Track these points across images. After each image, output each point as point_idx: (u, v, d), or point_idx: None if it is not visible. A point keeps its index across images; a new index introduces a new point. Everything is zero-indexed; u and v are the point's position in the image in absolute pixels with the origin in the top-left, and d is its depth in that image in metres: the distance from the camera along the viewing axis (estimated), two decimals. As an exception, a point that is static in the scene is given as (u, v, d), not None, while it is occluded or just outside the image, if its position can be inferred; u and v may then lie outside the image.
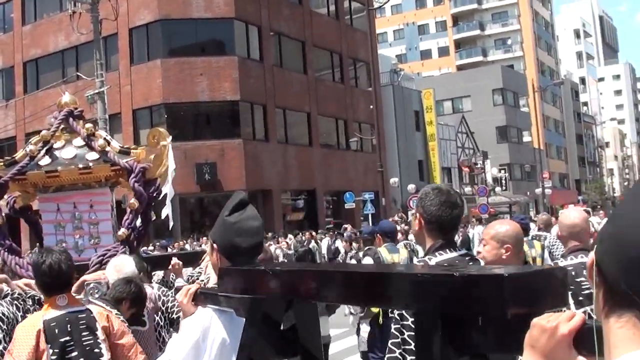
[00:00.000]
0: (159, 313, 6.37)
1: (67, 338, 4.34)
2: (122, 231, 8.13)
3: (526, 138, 75.04)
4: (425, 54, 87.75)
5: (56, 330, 4.30)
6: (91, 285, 5.81)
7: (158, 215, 9.50)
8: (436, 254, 3.59)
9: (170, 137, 8.51)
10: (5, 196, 8.66)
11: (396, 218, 31.17)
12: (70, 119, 8.44)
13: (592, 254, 1.37)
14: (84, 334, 4.40)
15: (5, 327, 4.81)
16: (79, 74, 34.84)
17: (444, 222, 3.62)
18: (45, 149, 8.31)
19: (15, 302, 5.07)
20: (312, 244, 25.14)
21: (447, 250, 3.61)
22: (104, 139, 8.37)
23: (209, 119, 36.10)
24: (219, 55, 35.99)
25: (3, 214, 8.38)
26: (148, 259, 8.56)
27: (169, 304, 6.41)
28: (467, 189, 56.26)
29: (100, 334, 4.44)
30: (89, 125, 8.47)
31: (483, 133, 64.16)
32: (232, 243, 3.26)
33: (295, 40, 40.87)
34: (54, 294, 4.42)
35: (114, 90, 32.34)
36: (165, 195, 8.44)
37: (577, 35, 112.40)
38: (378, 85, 47.24)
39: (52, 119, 8.71)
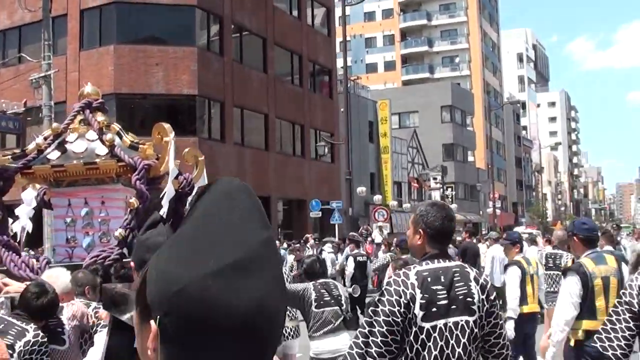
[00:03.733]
0: (84, 337, 5.73)
1: None
2: (119, 232, 7.69)
3: (469, 158, 74.29)
4: (371, 67, 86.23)
5: None
6: (1, 299, 5.55)
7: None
8: (422, 263, 3.99)
9: (173, 133, 7.96)
10: (37, 186, 8.56)
11: (362, 231, 29.39)
12: (87, 111, 8.17)
13: (154, 325, 1.24)
14: None
15: None
16: (23, 54, 31.81)
17: (445, 234, 4.08)
18: (56, 142, 8.09)
19: None
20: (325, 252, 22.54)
21: (440, 260, 3.99)
22: (117, 132, 8.09)
23: (163, 113, 33.07)
24: (178, 45, 33.26)
25: (3, 209, 8.05)
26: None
27: (97, 328, 5.71)
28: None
29: None
30: (102, 118, 8.15)
31: (429, 149, 63.02)
32: (143, 259, 3.15)
33: (257, 36, 38.45)
34: None
35: (59, 77, 29.57)
36: (164, 194, 7.72)
37: (520, 59, 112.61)
38: (336, 91, 45.43)
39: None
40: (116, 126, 8.31)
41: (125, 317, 2.24)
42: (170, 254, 1.26)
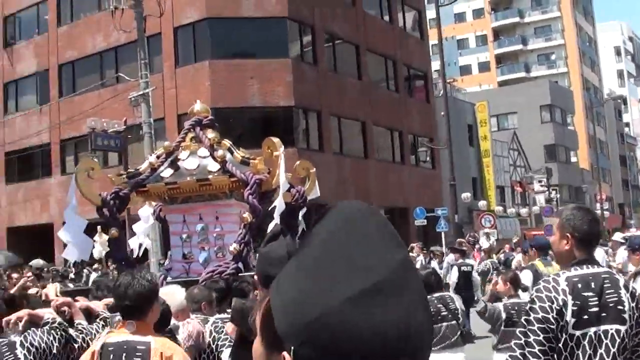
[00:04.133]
0: (205, 353, 5.75)
1: None
2: (234, 246, 7.75)
3: (572, 158, 71.93)
4: (465, 70, 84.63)
5: (111, 356, 4.23)
6: (117, 318, 5.41)
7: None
8: (571, 268, 3.89)
9: (282, 147, 8.01)
10: (153, 203, 8.83)
11: (469, 238, 28.45)
12: (197, 128, 8.33)
13: (288, 358, 1.20)
14: None
15: (31, 357, 4.66)
16: (121, 74, 32.11)
17: (593, 238, 4.05)
18: (169, 160, 8.30)
19: (53, 331, 4.94)
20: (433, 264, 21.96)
21: (588, 265, 3.90)
22: (228, 148, 8.24)
23: (261, 125, 32.81)
24: (271, 57, 32.93)
25: (120, 227, 8.30)
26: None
27: (219, 342, 5.78)
28: (523, 211, 53.01)
29: None
30: (212, 134, 8.23)
31: (530, 151, 61.02)
32: (266, 273, 3.26)
33: (349, 44, 37.90)
34: (124, 318, 4.40)
35: (157, 94, 29.57)
36: (274, 208, 7.70)
37: (618, 53, 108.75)
38: (432, 95, 44.58)
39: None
40: (227, 142, 8.40)
41: None
42: (298, 282, 1.20)
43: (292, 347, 1.17)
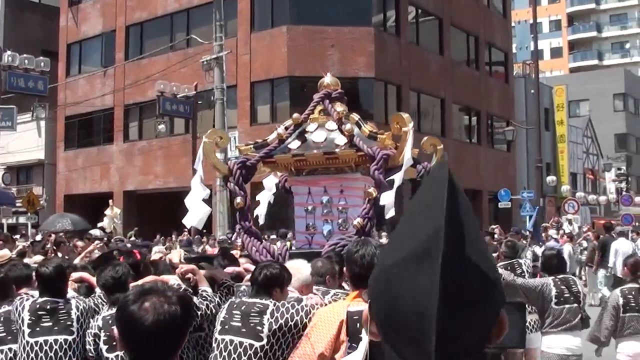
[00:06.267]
0: None
1: None
2: (358, 221, 7.84)
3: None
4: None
5: (357, 325, 4.17)
6: (242, 287, 5.98)
7: None
8: None
9: (412, 124, 7.86)
10: (278, 173, 8.99)
11: (552, 223, 27.91)
12: (327, 101, 8.42)
13: (365, 308, 1.47)
14: None
15: None
16: (193, 36, 31.04)
17: None
18: (297, 132, 8.44)
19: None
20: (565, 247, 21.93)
21: None
22: (356, 122, 8.31)
23: (339, 96, 31.35)
24: (353, 26, 31.32)
25: (246, 196, 8.35)
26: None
27: None
28: (602, 198, 51.33)
29: None
30: (341, 108, 8.26)
31: (601, 139, 59.50)
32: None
33: (433, 16, 36.25)
34: (361, 287, 4.29)
35: (230, 60, 28.45)
36: (393, 181, 7.60)
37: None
38: (512, 76, 42.95)
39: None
40: (355, 116, 8.33)
41: None
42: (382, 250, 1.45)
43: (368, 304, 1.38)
